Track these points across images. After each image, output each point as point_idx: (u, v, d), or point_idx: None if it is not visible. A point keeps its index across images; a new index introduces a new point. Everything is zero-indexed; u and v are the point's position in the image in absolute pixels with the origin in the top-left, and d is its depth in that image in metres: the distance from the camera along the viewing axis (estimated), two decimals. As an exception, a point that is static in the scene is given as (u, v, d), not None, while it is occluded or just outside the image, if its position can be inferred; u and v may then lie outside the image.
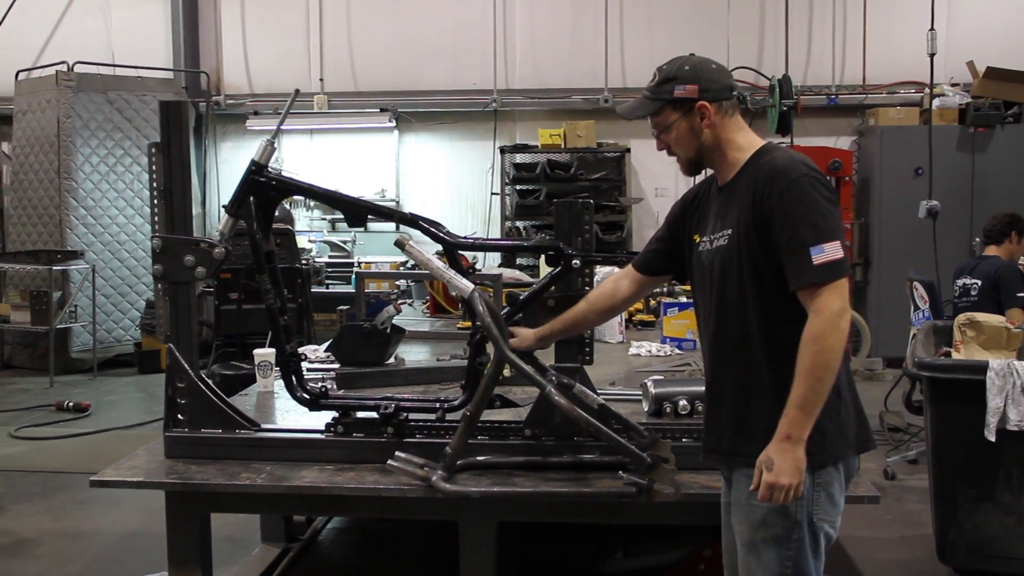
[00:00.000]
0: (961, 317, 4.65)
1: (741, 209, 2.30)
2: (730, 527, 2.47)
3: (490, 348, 2.89)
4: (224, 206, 3.15)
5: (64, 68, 9.49)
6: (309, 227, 10.66)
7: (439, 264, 2.90)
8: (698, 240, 2.49)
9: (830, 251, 2.14)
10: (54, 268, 9.09)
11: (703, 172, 2.54)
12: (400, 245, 2.93)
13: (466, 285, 2.86)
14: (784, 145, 2.52)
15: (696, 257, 2.49)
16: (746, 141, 2.41)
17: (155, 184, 3.14)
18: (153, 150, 3.15)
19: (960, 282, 6.18)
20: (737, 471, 2.37)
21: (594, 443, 2.92)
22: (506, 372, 4.00)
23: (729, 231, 2.33)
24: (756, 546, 2.30)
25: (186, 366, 3.12)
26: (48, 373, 8.91)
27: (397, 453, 2.89)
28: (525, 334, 2.85)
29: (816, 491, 2.26)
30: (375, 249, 10.27)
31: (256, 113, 10.46)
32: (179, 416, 3.14)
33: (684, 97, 2.37)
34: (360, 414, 3.12)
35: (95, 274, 9.38)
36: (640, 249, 2.90)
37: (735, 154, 2.40)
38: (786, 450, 2.15)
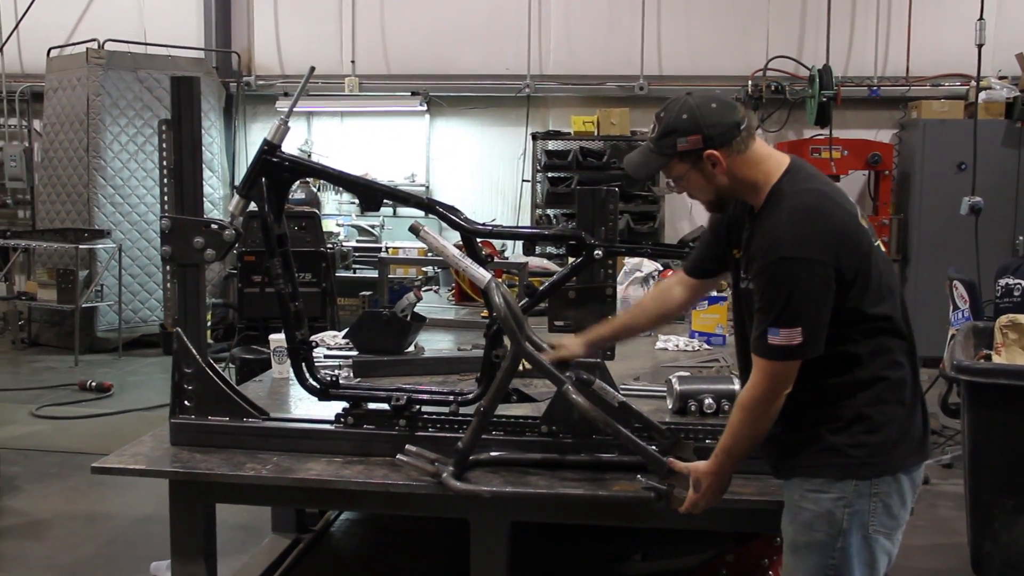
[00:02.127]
0: (1003, 318, 4.46)
1: (750, 259, 2.28)
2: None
3: (507, 340, 2.77)
4: (235, 187, 3.05)
5: (95, 46, 9.46)
6: (337, 211, 10.58)
7: (455, 252, 2.78)
8: (737, 255, 2.41)
9: (785, 336, 2.14)
10: (81, 247, 9.09)
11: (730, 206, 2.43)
12: (415, 231, 2.82)
13: (482, 274, 2.74)
14: (810, 169, 2.35)
15: (736, 273, 2.43)
16: (763, 175, 2.27)
17: (165, 162, 3.04)
18: (163, 127, 3.06)
19: (1002, 282, 5.95)
20: (789, 479, 2.35)
21: (613, 442, 2.79)
22: (527, 365, 3.90)
23: (751, 279, 2.29)
24: (799, 549, 2.30)
25: (194, 351, 3.03)
26: (73, 352, 8.91)
27: (408, 447, 2.79)
28: (571, 343, 2.74)
29: (872, 501, 2.22)
30: (403, 234, 10.16)
31: (286, 94, 10.37)
32: (186, 403, 3.05)
33: (689, 150, 2.23)
34: (371, 405, 3.03)
35: (122, 253, 9.36)
36: (671, 240, 2.82)
37: (756, 188, 2.28)
38: (712, 481, 2.37)
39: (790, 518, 2.32)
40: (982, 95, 8.56)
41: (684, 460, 2.57)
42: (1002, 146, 8.69)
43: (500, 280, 2.89)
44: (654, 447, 2.59)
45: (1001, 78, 9.05)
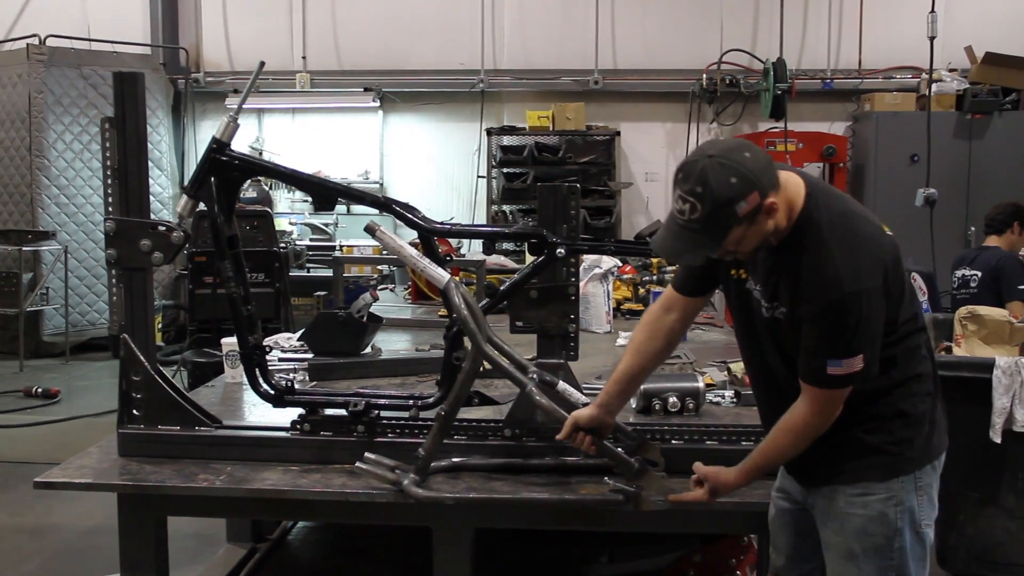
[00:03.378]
0: (962, 310, 4.46)
1: (791, 299, 2.14)
2: (782, 524, 2.45)
3: (468, 342, 2.69)
4: (183, 187, 2.94)
5: (35, 42, 9.21)
6: (290, 209, 10.42)
7: (412, 251, 2.70)
8: (743, 276, 2.30)
9: (847, 365, 2.09)
10: (24, 249, 8.85)
11: None
12: (371, 231, 2.73)
13: (441, 274, 2.66)
14: (821, 187, 2.25)
15: (744, 295, 2.30)
16: (788, 207, 2.13)
17: (109, 162, 2.92)
18: (106, 126, 2.93)
19: (959, 273, 6.01)
20: (826, 486, 2.28)
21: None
22: (487, 366, 3.82)
23: (785, 311, 2.17)
24: (856, 557, 2.22)
25: (142, 358, 2.92)
26: (18, 357, 8.67)
27: (367, 455, 2.71)
28: (586, 412, 2.50)
29: (919, 495, 2.22)
30: (358, 232, 10.00)
31: (236, 91, 10.16)
32: (134, 411, 2.95)
33: (749, 212, 2.04)
34: (328, 411, 2.95)
35: (67, 255, 9.13)
36: (629, 236, 2.72)
37: (781, 222, 2.13)
38: (735, 487, 2.35)
39: (836, 527, 2.25)
40: (933, 87, 8.64)
41: (651, 463, 2.52)
42: (953, 138, 8.80)
43: (458, 279, 2.81)
44: (620, 448, 2.54)
45: (951, 70, 9.16)
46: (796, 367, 2.19)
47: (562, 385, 2.66)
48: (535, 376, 2.63)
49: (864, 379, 2.12)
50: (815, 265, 2.08)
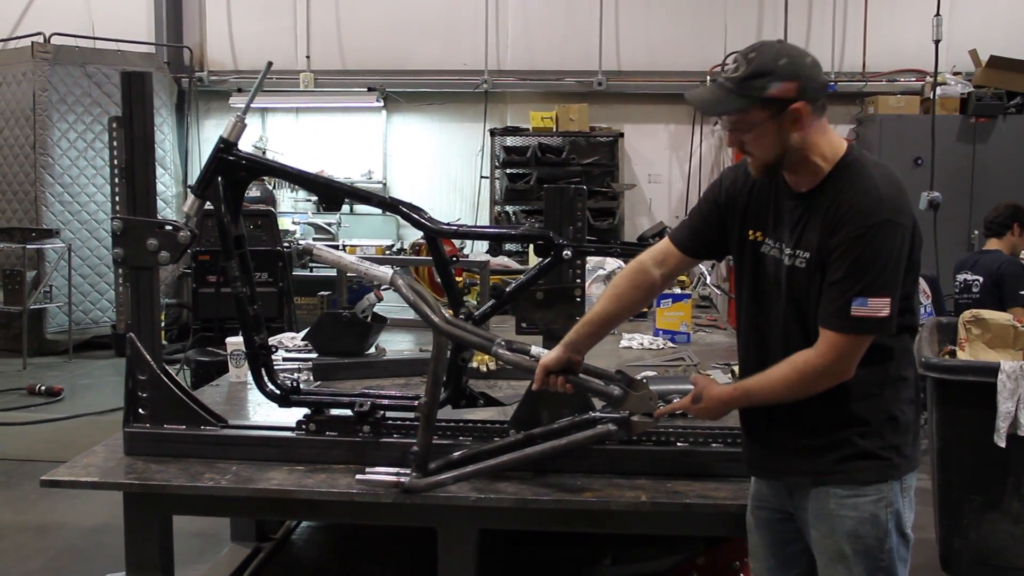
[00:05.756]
0: (967, 314, 4.45)
1: (821, 235, 2.12)
2: (761, 533, 2.42)
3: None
4: (190, 186, 2.94)
5: (40, 40, 9.20)
6: (293, 208, 10.41)
7: (351, 259, 2.76)
8: (760, 239, 2.28)
9: (873, 306, 2.05)
10: (28, 247, 8.84)
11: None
12: (306, 253, 2.75)
13: (383, 273, 2.71)
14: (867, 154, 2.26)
15: (757, 259, 2.29)
16: (830, 147, 2.16)
17: (116, 161, 2.92)
18: (114, 125, 2.94)
19: (961, 277, 6.00)
20: (815, 488, 2.24)
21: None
22: (492, 366, 3.83)
23: (808, 255, 2.15)
24: (846, 558, 2.20)
25: (148, 357, 2.93)
26: (21, 355, 8.67)
27: (368, 470, 2.69)
28: (553, 354, 2.47)
29: (904, 499, 2.21)
30: (361, 232, 10.02)
31: (240, 90, 10.17)
32: (140, 411, 2.95)
33: (779, 97, 2.07)
34: (334, 411, 2.95)
35: (71, 253, 9.12)
36: (631, 238, 2.70)
37: (818, 161, 2.15)
38: (717, 409, 2.28)
39: (827, 529, 2.22)
40: (938, 91, 8.64)
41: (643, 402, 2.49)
42: (957, 141, 8.77)
43: (400, 269, 2.84)
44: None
45: (955, 74, 9.14)
46: (807, 324, 2.16)
47: (536, 349, 2.58)
48: (501, 341, 2.60)
49: (886, 330, 2.08)
50: (859, 191, 2.08)
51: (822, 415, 2.19)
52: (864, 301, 2.04)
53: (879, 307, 2.04)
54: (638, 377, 3.15)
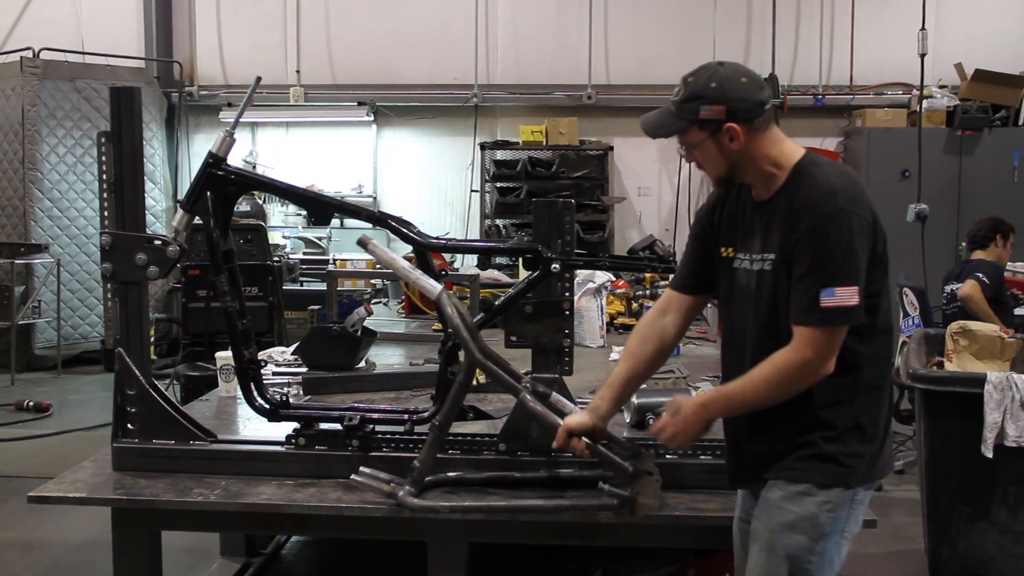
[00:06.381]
0: (954, 325, 4.49)
1: (782, 234, 2.18)
2: (746, 545, 2.39)
3: (463, 355, 2.70)
4: (179, 201, 2.94)
5: (30, 55, 9.20)
6: (284, 223, 10.40)
7: (404, 264, 2.71)
8: (731, 255, 2.34)
9: (841, 296, 2.08)
10: (16, 262, 8.81)
11: (736, 187, 2.35)
12: (363, 244, 2.75)
13: (433, 286, 2.68)
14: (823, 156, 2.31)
15: (730, 274, 2.34)
16: (783, 155, 2.24)
17: (105, 176, 2.93)
18: (103, 140, 2.94)
19: (948, 288, 6.06)
20: (771, 480, 2.27)
21: (572, 458, 2.72)
22: (482, 380, 3.82)
23: (773, 256, 2.21)
24: (775, 550, 2.23)
25: (137, 372, 2.92)
26: (9, 370, 8.63)
27: (362, 468, 2.70)
28: (577, 417, 2.46)
29: (851, 509, 2.22)
30: (351, 246, 10.02)
31: (230, 105, 10.15)
32: (129, 426, 2.94)
33: (710, 119, 2.18)
34: (323, 425, 2.94)
35: (60, 268, 9.10)
36: (622, 251, 2.72)
37: (772, 170, 2.23)
38: (697, 415, 2.25)
39: (767, 518, 2.26)
40: (924, 104, 8.70)
41: (645, 471, 2.51)
42: (944, 154, 8.83)
43: (452, 291, 2.83)
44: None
45: (941, 87, 9.22)
46: (779, 329, 2.18)
47: (555, 396, 2.67)
48: (528, 385, 2.64)
49: (857, 318, 2.10)
50: (811, 185, 2.15)
51: (794, 419, 2.21)
52: (831, 291, 2.07)
53: (847, 296, 2.08)
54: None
